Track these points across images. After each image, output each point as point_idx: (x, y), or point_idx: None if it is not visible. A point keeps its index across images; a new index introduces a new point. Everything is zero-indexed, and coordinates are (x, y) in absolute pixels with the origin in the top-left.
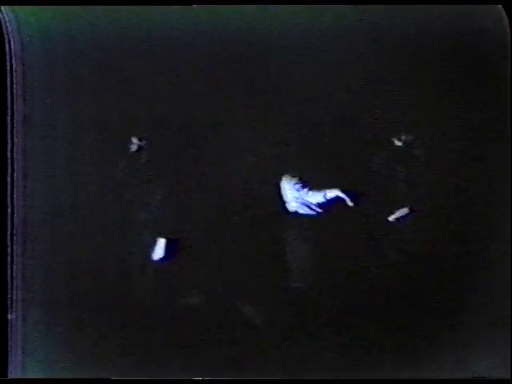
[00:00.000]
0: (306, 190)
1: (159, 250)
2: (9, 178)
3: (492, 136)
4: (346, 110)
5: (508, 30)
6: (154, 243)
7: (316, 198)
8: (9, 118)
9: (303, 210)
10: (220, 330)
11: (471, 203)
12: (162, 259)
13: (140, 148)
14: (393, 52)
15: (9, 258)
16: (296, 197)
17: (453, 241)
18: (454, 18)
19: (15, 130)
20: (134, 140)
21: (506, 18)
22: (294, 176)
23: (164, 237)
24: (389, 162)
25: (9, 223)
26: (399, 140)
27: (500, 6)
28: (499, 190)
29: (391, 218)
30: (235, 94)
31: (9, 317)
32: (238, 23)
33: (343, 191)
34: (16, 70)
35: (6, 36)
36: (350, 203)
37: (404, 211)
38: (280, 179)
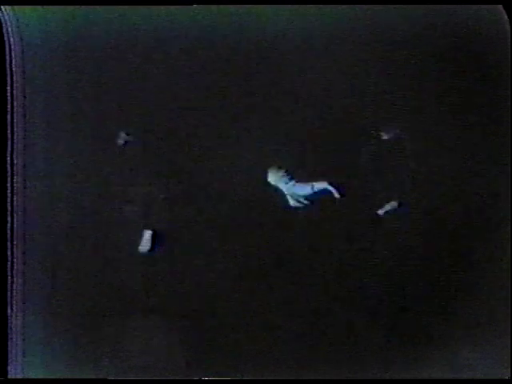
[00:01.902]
0: (293, 182)
1: (146, 243)
2: (9, 177)
3: (491, 134)
4: (336, 105)
5: (508, 29)
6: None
7: (303, 190)
8: (9, 117)
9: (290, 203)
10: (218, 329)
11: (463, 198)
12: (149, 251)
13: (126, 142)
14: (392, 52)
15: (9, 257)
16: (283, 189)
17: (447, 237)
18: (454, 18)
19: (15, 129)
20: (122, 134)
21: (506, 18)
22: (280, 168)
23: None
24: (378, 155)
25: (9, 222)
26: (387, 133)
27: (500, 6)
28: (490, 183)
29: (381, 212)
30: (231, 92)
31: (9, 312)
32: (238, 23)
33: (330, 183)
34: (16, 70)
35: (6, 36)
36: (336, 195)
37: (393, 205)
38: (267, 172)
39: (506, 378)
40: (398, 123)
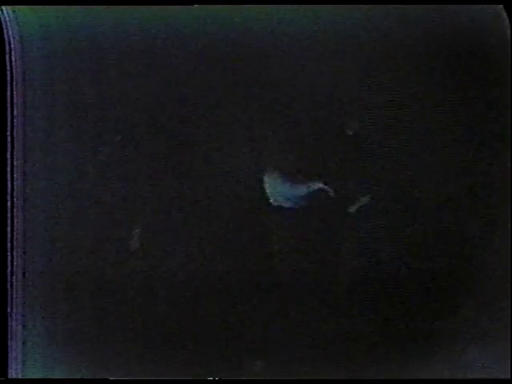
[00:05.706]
0: (288, 183)
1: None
2: (9, 177)
3: (490, 134)
4: (337, 106)
5: (508, 29)
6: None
7: (299, 191)
8: (9, 117)
9: (287, 204)
10: (215, 328)
11: (439, 192)
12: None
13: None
14: (392, 52)
15: (9, 257)
16: (279, 191)
17: (447, 234)
18: (454, 18)
19: (15, 129)
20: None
21: (506, 18)
22: (276, 170)
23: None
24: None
25: (9, 221)
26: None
27: (500, 5)
28: (463, 175)
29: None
30: (230, 92)
31: (8, 310)
32: (239, 24)
33: (326, 183)
34: (16, 70)
35: (5, 36)
36: (332, 194)
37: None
38: (262, 174)
39: (506, 378)
40: (398, 123)
